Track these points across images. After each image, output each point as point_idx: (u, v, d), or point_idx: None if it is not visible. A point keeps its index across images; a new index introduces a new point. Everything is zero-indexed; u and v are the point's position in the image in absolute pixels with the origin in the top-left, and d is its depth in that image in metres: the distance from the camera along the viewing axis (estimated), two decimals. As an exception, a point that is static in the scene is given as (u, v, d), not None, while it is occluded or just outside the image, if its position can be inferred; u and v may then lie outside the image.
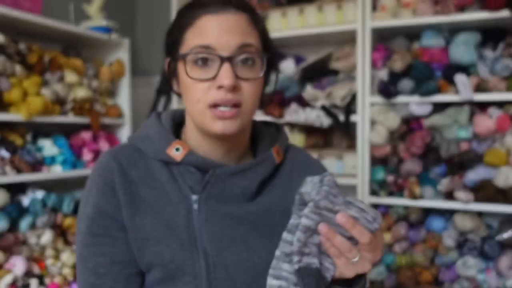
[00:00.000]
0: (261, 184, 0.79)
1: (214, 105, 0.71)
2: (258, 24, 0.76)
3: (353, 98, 2.05)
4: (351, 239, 0.67)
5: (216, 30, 0.70)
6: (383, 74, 2.02)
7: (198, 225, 0.74)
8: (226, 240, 0.74)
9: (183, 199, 0.75)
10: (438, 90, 1.90)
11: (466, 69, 1.87)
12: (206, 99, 0.71)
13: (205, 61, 0.71)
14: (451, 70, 1.87)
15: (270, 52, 0.78)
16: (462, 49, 1.83)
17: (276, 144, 0.83)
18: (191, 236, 0.73)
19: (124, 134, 2.34)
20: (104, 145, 2.18)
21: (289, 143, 0.88)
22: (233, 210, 0.76)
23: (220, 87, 0.70)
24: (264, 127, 0.88)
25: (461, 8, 1.85)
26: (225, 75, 0.69)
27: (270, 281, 0.68)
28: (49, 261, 1.86)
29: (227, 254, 0.74)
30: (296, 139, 2.25)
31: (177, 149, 0.76)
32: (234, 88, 0.70)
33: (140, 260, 0.75)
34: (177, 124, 0.84)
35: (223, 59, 0.70)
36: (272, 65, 0.79)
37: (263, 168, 0.78)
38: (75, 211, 2.00)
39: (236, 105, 0.72)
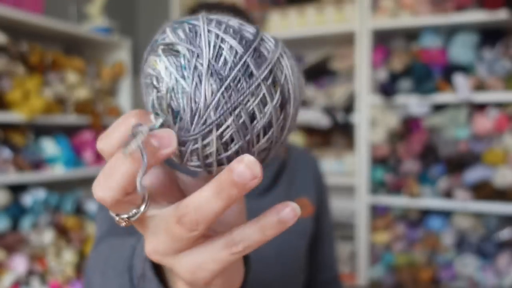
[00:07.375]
0: (275, 177, 0.85)
1: None
2: None
3: (353, 98, 2.06)
4: None
5: None
6: (382, 75, 2.03)
7: None
8: None
9: None
10: (437, 91, 1.91)
11: (464, 70, 1.89)
12: None
13: None
14: (450, 70, 1.88)
15: None
16: (461, 50, 1.84)
17: None
18: None
19: (125, 134, 2.35)
20: (105, 145, 2.19)
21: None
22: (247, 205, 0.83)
23: None
24: None
25: (460, 9, 1.86)
26: None
27: None
28: (51, 260, 1.87)
29: None
30: (296, 139, 2.26)
31: None
32: None
33: None
34: None
35: None
36: None
37: (273, 163, 0.85)
38: (76, 211, 2.01)
39: None
